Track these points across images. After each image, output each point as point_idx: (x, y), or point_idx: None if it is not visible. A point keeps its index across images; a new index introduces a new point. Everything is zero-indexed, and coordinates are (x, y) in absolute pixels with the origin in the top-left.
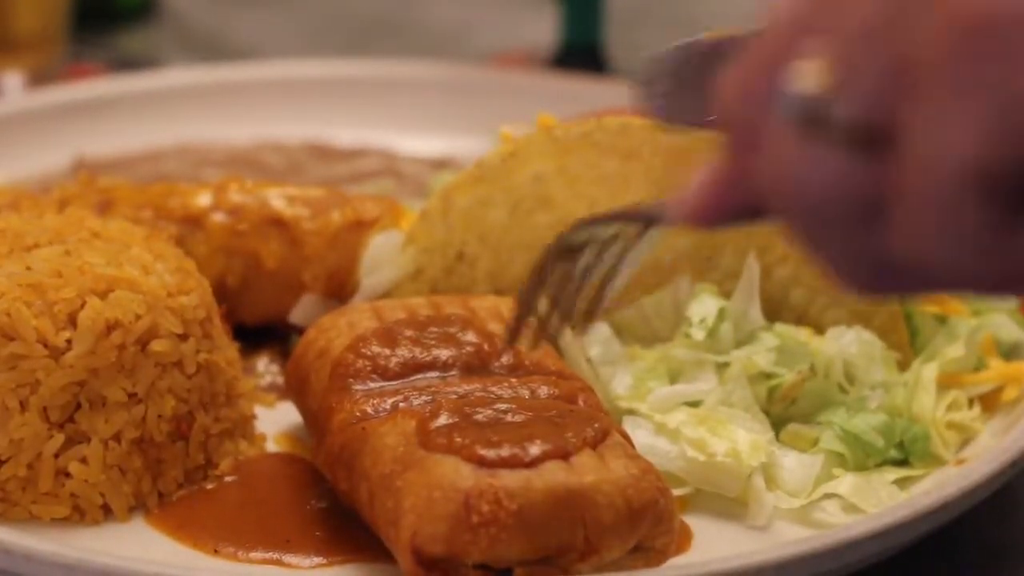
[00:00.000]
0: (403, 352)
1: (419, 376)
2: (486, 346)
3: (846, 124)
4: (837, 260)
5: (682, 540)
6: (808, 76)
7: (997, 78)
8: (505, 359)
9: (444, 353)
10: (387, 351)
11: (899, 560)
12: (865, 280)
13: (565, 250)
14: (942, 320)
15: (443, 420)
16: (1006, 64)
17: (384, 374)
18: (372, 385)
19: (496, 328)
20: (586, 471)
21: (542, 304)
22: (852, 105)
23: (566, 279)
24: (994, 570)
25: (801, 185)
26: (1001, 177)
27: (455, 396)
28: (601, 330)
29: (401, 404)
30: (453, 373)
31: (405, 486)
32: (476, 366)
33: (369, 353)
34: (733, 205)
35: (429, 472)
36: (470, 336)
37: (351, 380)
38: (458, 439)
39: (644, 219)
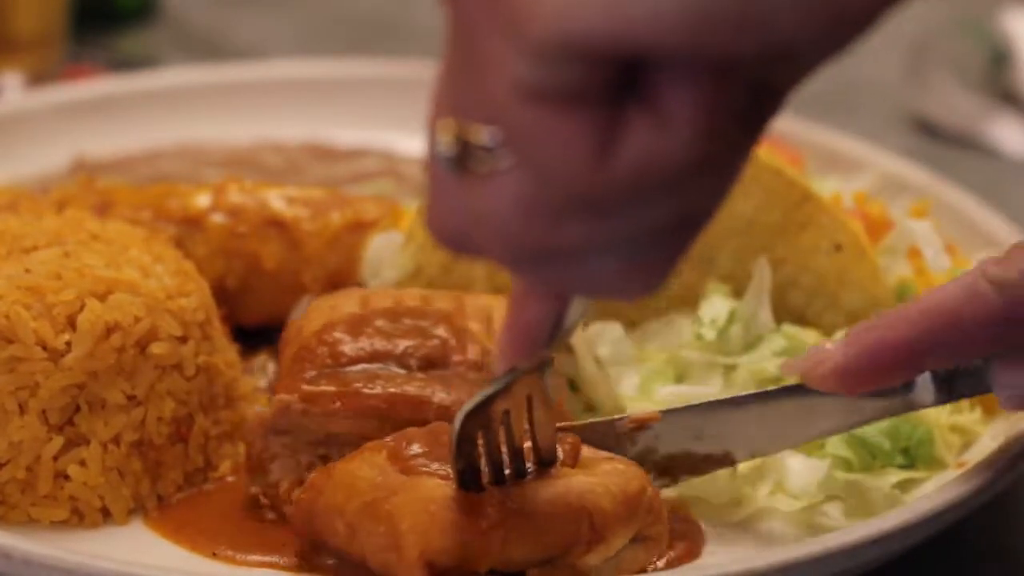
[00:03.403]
0: (363, 341)
1: (373, 365)
2: (453, 342)
3: (483, 148)
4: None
5: (695, 542)
6: (444, 131)
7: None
8: (471, 354)
9: (404, 344)
10: (348, 338)
11: (901, 563)
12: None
13: (477, 429)
14: None
15: (415, 449)
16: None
17: (338, 360)
18: (324, 371)
19: (475, 327)
20: (575, 473)
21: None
22: (478, 134)
23: (497, 443)
24: (996, 573)
25: (483, 218)
26: (554, 79)
27: (410, 392)
28: (613, 330)
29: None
30: (410, 364)
31: (396, 509)
32: (437, 360)
33: (330, 339)
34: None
35: (417, 490)
36: (440, 331)
37: (307, 365)
38: (435, 466)
39: (521, 373)
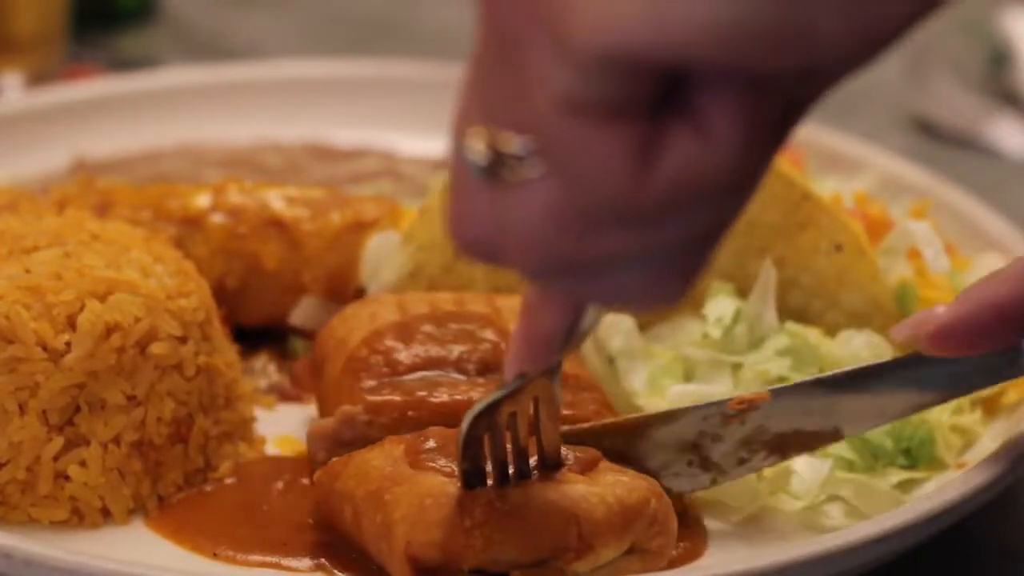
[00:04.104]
0: (417, 348)
1: (432, 372)
2: (503, 344)
3: (516, 157)
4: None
5: (697, 542)
6: (476, 139)
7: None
8: None
9: (459, 349)
10: (401, 346)
11: (901, 563)
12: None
13: (484, 431)
14: None
15: (430, 445)
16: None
17: (396, 369)
18: (383, 380)
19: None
20: (576, 481)
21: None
22: (511, 143)
23: (502, 443)
24: (997, 573)
25: (511, 227)
26: (589, 94)
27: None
28: (624, 322)
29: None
30: (468, 370)
31: (394, 499)
32: (492, 364)
33: (382, 347)
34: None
35: (419, 484)
36: (488, 334)
37: (363, 374)
38: (442, 463)
39: (528, 381)
